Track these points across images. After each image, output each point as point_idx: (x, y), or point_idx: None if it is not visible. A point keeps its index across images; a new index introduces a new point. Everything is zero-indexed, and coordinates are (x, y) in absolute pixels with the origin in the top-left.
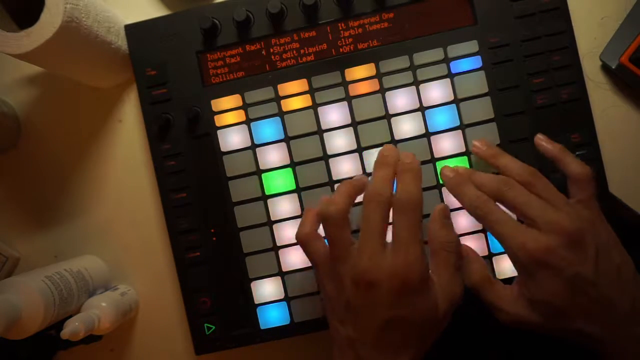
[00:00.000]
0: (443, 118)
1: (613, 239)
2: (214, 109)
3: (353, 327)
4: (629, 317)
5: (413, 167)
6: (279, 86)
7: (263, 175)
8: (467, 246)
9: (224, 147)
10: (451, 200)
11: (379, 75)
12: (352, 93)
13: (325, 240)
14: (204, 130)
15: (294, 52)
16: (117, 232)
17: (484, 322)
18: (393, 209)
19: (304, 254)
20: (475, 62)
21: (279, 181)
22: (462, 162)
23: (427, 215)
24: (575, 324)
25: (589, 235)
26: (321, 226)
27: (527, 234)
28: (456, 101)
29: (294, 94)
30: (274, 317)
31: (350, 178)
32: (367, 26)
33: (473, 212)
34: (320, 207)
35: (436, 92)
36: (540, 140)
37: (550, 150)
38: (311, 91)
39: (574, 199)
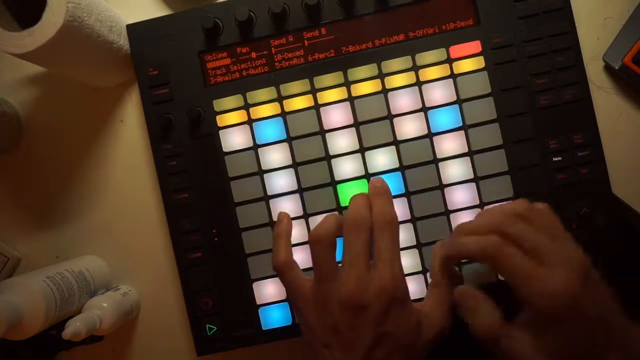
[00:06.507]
0: (446, 118)
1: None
2: (216, 109)
3: (341, 349)
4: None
5: (385, 190)
6: (281, 86)
7: (265, 176)
8: (477, 294)
9: (226, 147)
10: (454, 202)
11: (381, 76)
12: (354, 93)
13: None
14: (206, 131)
15: (297, 52)
16: (118, 232)
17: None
18: (374, 230)
19: (304, 253)
20: (478, 62)
21: (281, 182)
22: (463, 163)
23: (425, 217)
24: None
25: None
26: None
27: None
28: (459, 101)
29: (296, 94)
30: (275, 317)
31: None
32: (369, 26)
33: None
34: (312, 231)
35: (439, 92)
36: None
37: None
38: (313, 91)
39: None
